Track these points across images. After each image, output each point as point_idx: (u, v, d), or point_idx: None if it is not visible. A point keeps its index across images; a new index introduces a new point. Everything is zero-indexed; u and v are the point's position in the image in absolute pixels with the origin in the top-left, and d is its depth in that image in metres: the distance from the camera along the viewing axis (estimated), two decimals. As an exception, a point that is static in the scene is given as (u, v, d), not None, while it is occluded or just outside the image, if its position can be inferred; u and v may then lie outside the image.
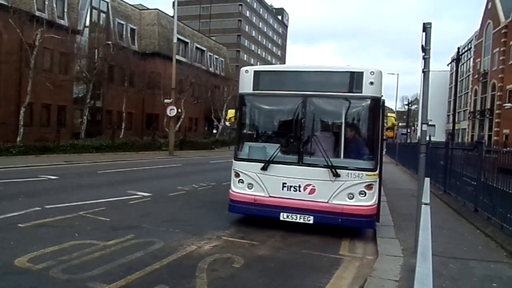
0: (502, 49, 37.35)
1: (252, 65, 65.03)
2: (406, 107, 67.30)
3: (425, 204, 3.25)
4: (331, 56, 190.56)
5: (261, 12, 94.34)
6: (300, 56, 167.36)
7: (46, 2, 25.41)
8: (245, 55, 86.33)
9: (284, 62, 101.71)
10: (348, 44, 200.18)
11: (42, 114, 25.68)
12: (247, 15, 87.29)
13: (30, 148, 19.90)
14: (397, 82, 65.78)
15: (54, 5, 26.06)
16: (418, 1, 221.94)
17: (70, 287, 4.26)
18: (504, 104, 34.06)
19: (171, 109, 25.39)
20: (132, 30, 35.46)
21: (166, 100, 26.81)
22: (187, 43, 41.94)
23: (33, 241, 5.76)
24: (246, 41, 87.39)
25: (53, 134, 22.67)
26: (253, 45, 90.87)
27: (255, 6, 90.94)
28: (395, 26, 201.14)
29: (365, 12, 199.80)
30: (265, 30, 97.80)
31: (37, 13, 24.05)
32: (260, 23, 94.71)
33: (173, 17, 28.43)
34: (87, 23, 30.35)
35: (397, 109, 66.86)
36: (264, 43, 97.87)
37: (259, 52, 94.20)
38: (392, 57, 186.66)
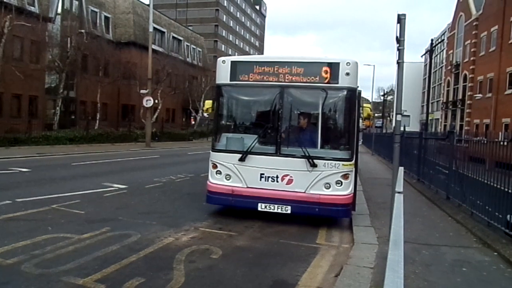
0: (473, 41, 38.30)
1: (230, 55, 64.65)
2: (382, 97, 68.47)
3: (398, 192, 3.33)
4: (312, 46, 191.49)
5: (238, 2, 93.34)
6: (280, 46, 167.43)
7: (15, -12, 24.38)
8: (223, 45, 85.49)
9: (262, 53, 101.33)
10: (328, 35, 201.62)
11: (12, 104, 24.82)
12: (225, 4, 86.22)
13: (0, 139, 19.22)
14: (373, 73, 66.95)
15: (24, -9, 25.05)
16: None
17: (43, 281, 4.16)
18: (475, 95, 35.07)
19: (147, 100, 24.97)
20: (106, 18, 34.51)
21: (142, 91, 26.33)
22: (164, 32, 41.19)
23: (3, 235, 5.58)
24: (224, 31, 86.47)
25: (24, 125, 21.95)
26: (231, 35, 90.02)
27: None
28: (376, 17, 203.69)
29: (346, 3, 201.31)
30: (243, 20, 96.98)
31: (5, -1, 23.07)
32: (238, 13, 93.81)
33: (148, 5, 27.79)
34: (59, 10, 29.28)
35: (373, 100, 67.91)
36: (242, 33, 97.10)
37: (237, 43, 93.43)
38: (371, 49, 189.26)
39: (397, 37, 5.90)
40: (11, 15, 20.95)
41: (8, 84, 22.37)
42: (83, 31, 28.33)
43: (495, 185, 6.57)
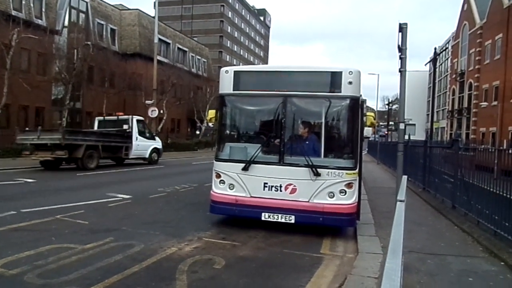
0: (478, 49, 38.26)
1: (234, 65, 64.90)
2: (387, 106, 68.33)
3: (400, 201, 3.30)
4: (320, 56, 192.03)
5: (243, 13, 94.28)
6: (288, 56, 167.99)
7: (23, 2, 24.82)
8: (228, 56, 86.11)
9: (266, 63, 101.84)
10: (336, 45, 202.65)
11: (19, 115, 25.07)
12: (229, 15, 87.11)
13: (7, 150, 19.39)
14: (378, 82, 66.97)
15: (32, 5, 25.48)
16: (408, 2, 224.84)
17: (46, 292, 4.16)
18: (481, 103, 34.92)
19: (152, 110, 25.15)
20: (112, 30, 34.94)
21: (147, 101, 26.53)
22: (169, 43, 41.58)
23: (7, 245, 5.60)
24: (229, 42, 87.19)
25: (31, 137, 22.09)
26: (235, 46, 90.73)
27: (237, 7, 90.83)
28: (384, 27, 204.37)
29: (355, 13, 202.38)
30: (247, 31, 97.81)
31: (14, 13, 23.50)
32: (242, 24, 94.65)
33: (154, 17, 28.14)
34: (66, 23, 29.73)
35: (378, 109, 67.73)
36: (247, 44, 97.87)
37: (241, 53, 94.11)
38: (379, 58, 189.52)
39: (399, 46, 5.91)
40: (19, 28, 21.28)
41: (16, 96, 22.62)
42: (89, 43, 28.64)
43: (502, 193, 6.50)
